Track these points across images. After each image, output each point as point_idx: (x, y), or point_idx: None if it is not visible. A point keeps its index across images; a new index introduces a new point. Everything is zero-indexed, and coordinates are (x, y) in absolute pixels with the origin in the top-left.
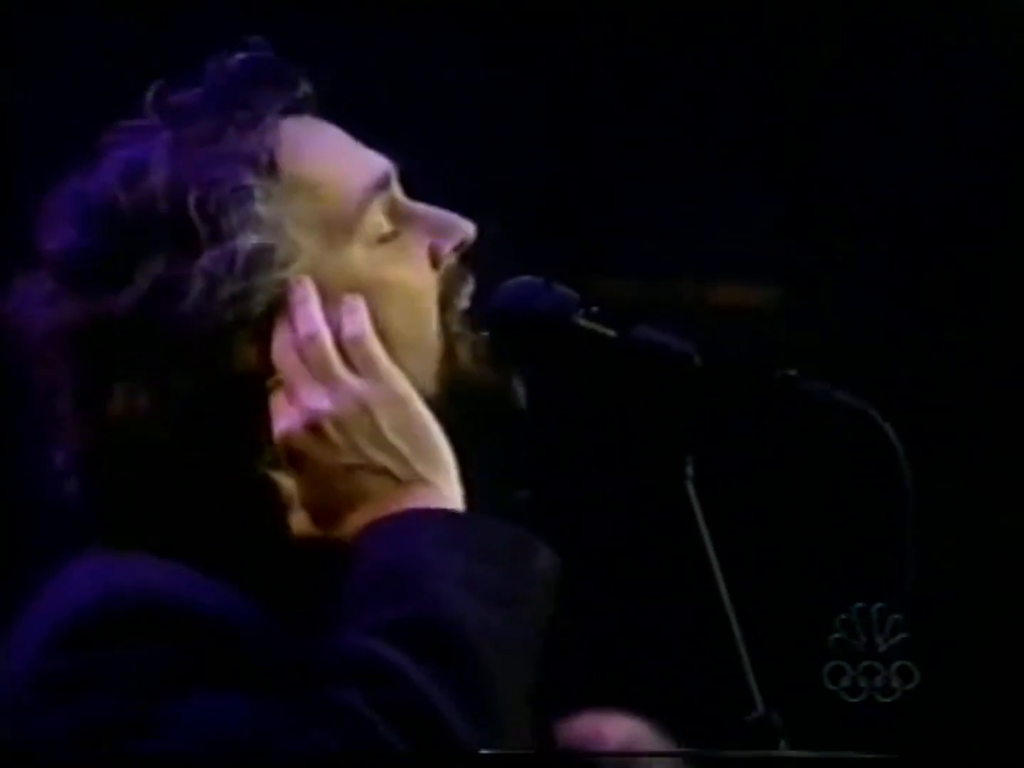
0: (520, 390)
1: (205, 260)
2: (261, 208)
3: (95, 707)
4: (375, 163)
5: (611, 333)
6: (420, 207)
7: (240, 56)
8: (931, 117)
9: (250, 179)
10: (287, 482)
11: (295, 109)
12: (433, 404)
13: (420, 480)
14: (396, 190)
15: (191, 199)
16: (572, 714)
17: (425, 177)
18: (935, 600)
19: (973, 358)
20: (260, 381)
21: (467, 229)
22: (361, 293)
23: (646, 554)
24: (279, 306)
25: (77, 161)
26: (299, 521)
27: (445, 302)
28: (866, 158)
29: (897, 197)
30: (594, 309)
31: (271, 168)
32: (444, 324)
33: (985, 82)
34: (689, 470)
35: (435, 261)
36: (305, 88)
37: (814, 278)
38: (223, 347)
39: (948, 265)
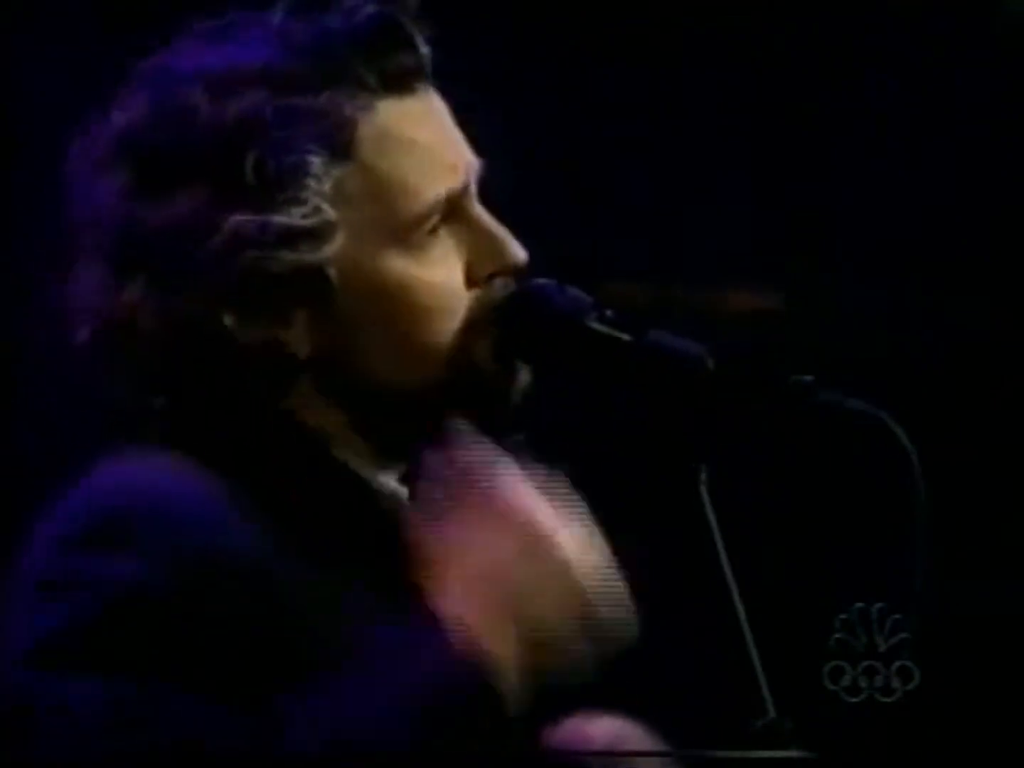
0: (521, 389)
1: (240, 219)
2: (316, 188)
3: (72, 612)
4: (459, 169)
5: (625, 337)
6: (481, 219)
7: (368, 12)
8: (932, 117)
9: (318, 157)
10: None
11: (405, 81)
12: (432, 397)
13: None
14: (469, 191)
15: (253, 154)
16: (564, 717)
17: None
18: (935, 600)
19: (977, 357)
20: (266, 354)
21: (516, 257)
22: (381, 292)
23: (656, 556)
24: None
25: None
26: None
27: (472, 315)
28: (868, 159)
29: (899, 198)
30: (608, 313)
31: (347, 151)
32: (465, 333)
33: (985, 82)
34: (703, 475)
35: (471, 278)
36: (422, 55)
37: (819, 280)
38: (228, 309)
39: (951, 265)
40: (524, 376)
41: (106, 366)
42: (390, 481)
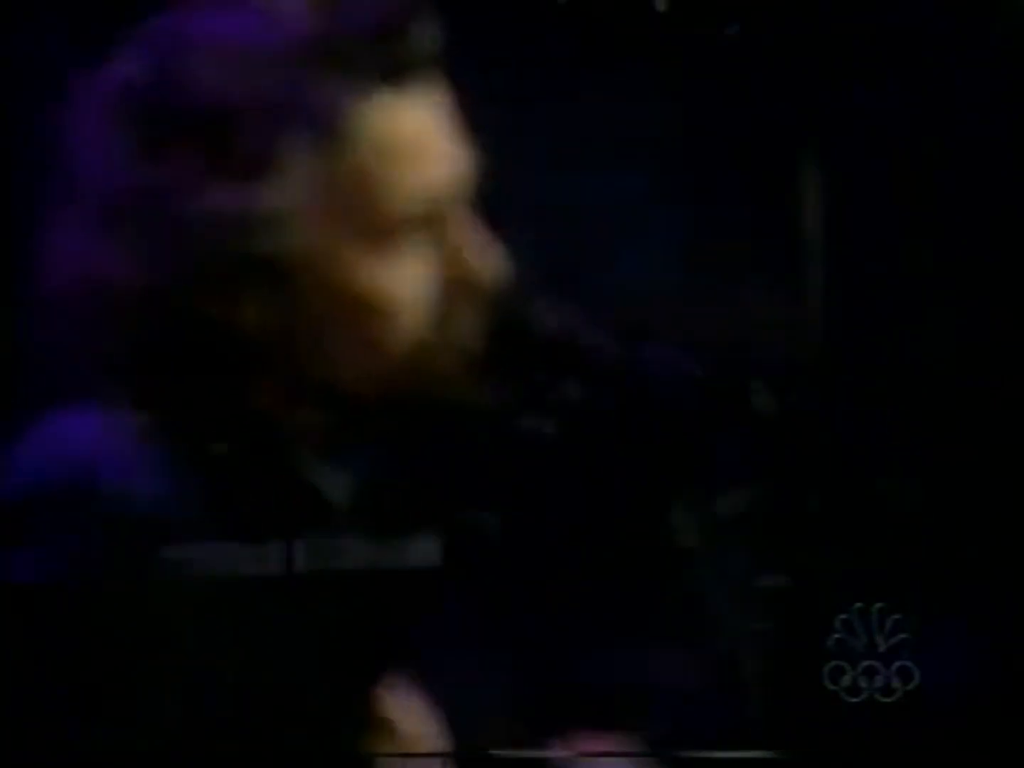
0: (490, 404)
1: (221, 196)
2: (299, 174)
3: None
4: (449, 172)
5: (615, 353)
6: (464, 228)
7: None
8: (931, 115)
9: (307, 143)
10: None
11: (406, 74)
12: (384, 402)
13: None
14: (459, 196)
15: (242, 133)
16: (571, 731)
17: None
18: (935, 600)
19: (977, 356)
20: (223, 335)
21: (494, 270)
22: (346, 288)
23: (649, 563)
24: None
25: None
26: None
27: (440, 326)
28: (868, 159)
29: (898, 198)
30: (597, 328)
31: (337, 140)
32: (429, 343)
33: (984, 79)
34: (692, 493)
35: (445, 288)
36: (427, 49)
37: (818, 285)
38: (192, 283)
39: (952, 265)
40: (495, 392)
41: (76, 322)
42: (334, 480)
